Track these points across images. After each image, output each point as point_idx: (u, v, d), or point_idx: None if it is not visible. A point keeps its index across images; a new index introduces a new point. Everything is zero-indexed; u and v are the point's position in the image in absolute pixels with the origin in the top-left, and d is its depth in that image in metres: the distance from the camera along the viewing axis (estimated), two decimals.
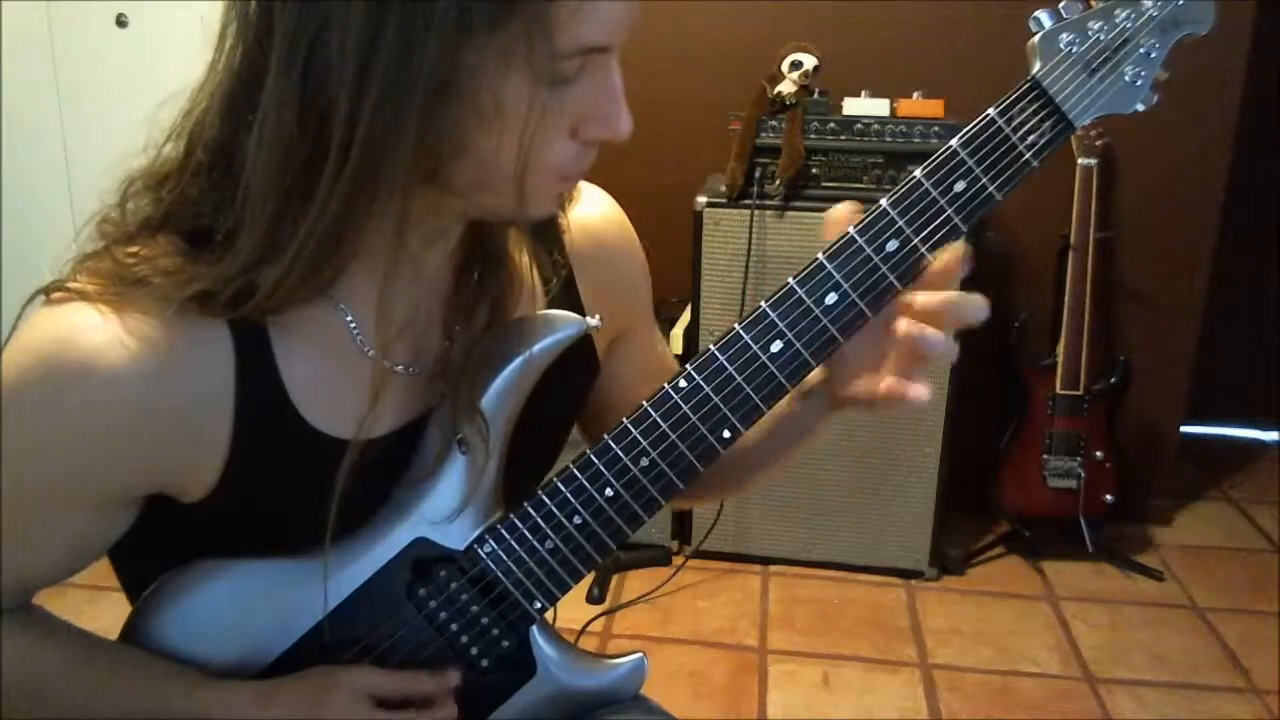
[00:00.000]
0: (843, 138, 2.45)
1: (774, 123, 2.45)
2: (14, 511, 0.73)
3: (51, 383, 0.69)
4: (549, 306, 0.87)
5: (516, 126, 0.68)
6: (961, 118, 2.42)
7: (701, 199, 2.50)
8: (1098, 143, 2.55)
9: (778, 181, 2.42)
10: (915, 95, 2.49)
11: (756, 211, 2.46)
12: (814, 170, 2.47)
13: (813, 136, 2.45)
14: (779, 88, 2.45)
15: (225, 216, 0.70)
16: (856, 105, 2.50)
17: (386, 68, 0.63)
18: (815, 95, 2.49)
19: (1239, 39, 2.61)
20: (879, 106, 2.48)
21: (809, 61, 2.45)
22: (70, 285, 0.71)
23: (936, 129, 2.42)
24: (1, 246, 2.67)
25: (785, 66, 2.46)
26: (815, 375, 0.86)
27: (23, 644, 0.78)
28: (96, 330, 0.69)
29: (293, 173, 0.67)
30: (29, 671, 0.78)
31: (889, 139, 2.44)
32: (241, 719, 0.77)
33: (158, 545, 0.81)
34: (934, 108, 2.46)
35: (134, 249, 0.72)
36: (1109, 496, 2.66)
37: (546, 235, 0.89)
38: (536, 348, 0.82)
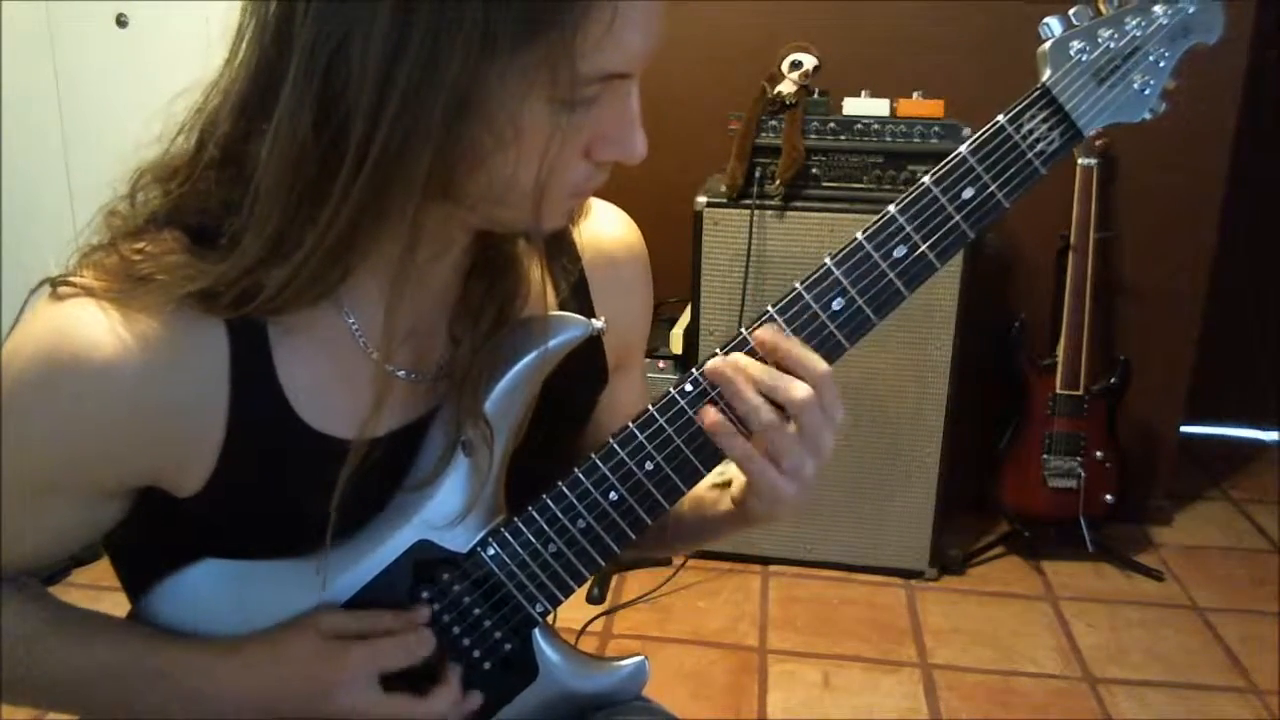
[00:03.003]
0: (843, 138, 2.45)
1: (774, 123, 2.45)
2: (4, 498, 0.74)
3: (46, 374, 0.70)
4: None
5: (534, 147, 0.68)
6: (961, 118, 2.43)
7: (701, 199, 2.50)
8: (1097, 143, 2.55)
9: (778, 181, 2.42)
10: (915, 95, 2.49)
11: (756, 211, 2.45)
12: (814, 170, 2.47)
13: (813, 136, 2.45)
14: (779, 88, 2.45)
15: (233, 215, 0.70)
16: (856, 105, 2.50)
17: (407, 83, 0.63)
18: (815, 95, 2.48)
19: (1239, 40, 2.61)
20: (879, 106, 2.48)
21: (809, 61, 2.45)
22: (76, 280, 0.72)
23: (936, 129, 2.42)
24: (1, 246, 2.67)
25: (785, 66, 2.46)
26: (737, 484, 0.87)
27: (8, 610, 0.79)
28: (94, 325, 0.70)
29: (305, 179, 0.67)
30: (12, 635, 0.79)
31: (889, 139, 2.44)
32: (209, 668, 0.78)
33: (157, 544, 0.81)
34: (934, 108, 2.46)
35: (140, 244, 0.72)
36: (1109, 496, 2.66)
37: (557, 243, 0.89)
38: (541, 349, 0.82)
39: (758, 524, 0.86)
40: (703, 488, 0.89)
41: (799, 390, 0.76)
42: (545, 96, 0.66)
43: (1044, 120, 0.79)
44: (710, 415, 0.78)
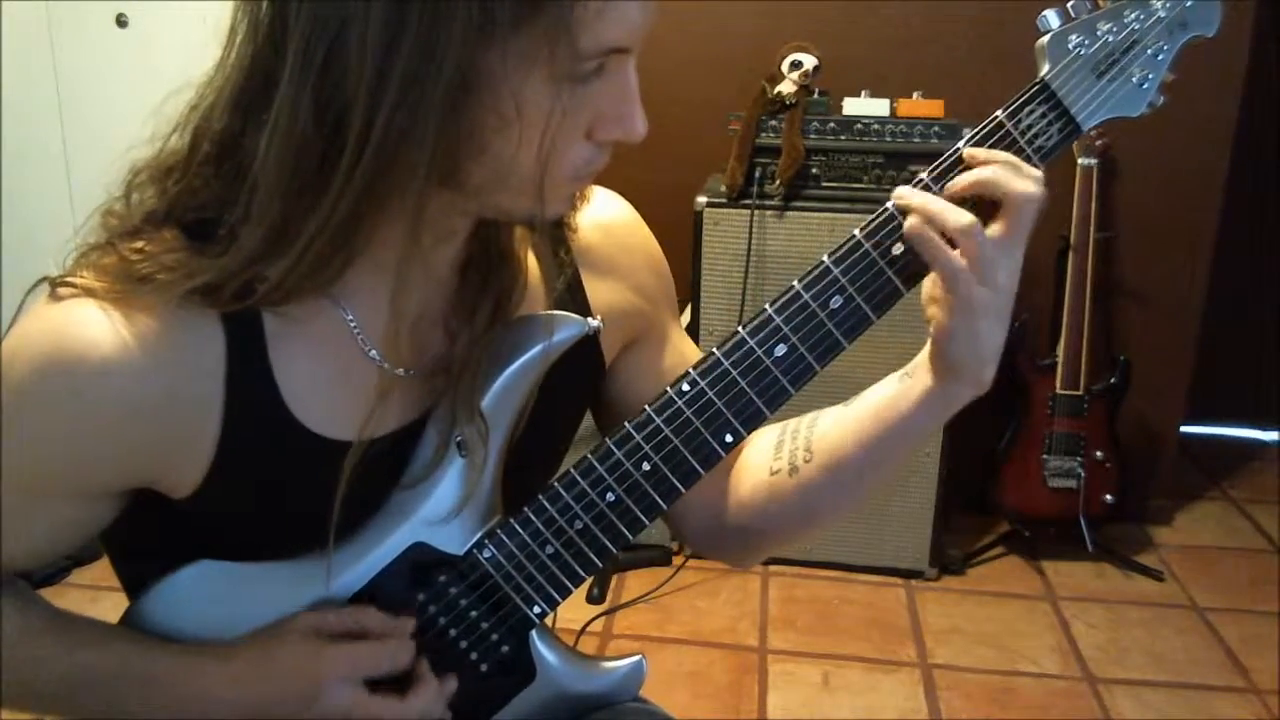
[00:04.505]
0: (843, 138, 2.45)
1: (774, 123, 2.45)
2: (2, 498, 0.74)
3: (47, 375, 0.70)
4: (554, 308, 0.86)
5: (536, 128, 0.68)
6: (961, 118, 2.42)
7: (701, 199, 2.50)
8: (1097, 143, 2.55)
9: (778, 181, 2.42)
10: (915, 95, 2.49)
11: (756, 211, 2.45)
12: (814, 170, 2.46)
13: (813, 136, 2.45)
14: (779, 88, 2.45)
15: (230, 210, 0.70)
16: (856, 105, 2.49)
17: (406, 70, 0.63)
18: (815, 95, 2.48)
19: (1239, 39, 2.61)
20: (879, 106, 2.47)
21: (809, 61, 2.45)
22: (75, 280, 0.71)
23: (936, 129, 2.42)
24: (1, 246, 2.67)
25: (785, 66, 2.45)
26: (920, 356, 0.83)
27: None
28: (92, 325, 0.69)
29: (306, 169, 0.67)
30: (4, 639, 0.78)
31: (889, 139, 2.43)
32: (199, 677, 0.78)
33: (156, 544, 0.81)
34: (934, 108, 2.46)
35: (138, 244, 0.72)
36: (1109, 496, 2.66)
37: (553, 235, 0.89)
38: (539, 347, 0.81)
39: (963, 385, 0.81)
40: (885, 388, 0.86)
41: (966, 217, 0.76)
42: (545, 74, 0.66)
43: (1042, 115, 0.78)
44: (913, 223, 0.77)
